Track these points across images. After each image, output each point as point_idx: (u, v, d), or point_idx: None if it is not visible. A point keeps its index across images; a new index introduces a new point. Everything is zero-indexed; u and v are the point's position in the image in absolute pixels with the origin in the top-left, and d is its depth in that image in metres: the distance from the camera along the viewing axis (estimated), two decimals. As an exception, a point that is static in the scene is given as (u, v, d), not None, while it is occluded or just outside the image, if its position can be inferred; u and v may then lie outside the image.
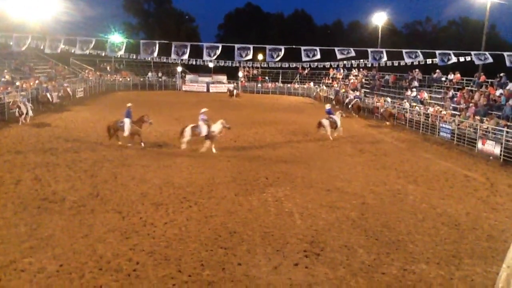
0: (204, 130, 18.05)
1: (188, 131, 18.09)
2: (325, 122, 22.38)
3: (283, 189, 13.37)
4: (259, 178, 14.54)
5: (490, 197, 13.63)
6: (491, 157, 19.13)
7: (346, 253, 9.13)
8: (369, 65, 41.80)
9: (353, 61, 38.41)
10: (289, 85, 54.87)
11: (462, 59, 21.15)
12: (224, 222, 10.62)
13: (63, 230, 9.73)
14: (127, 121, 18.42)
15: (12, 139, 19.34)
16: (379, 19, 48.14)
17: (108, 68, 55.59)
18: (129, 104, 19.05)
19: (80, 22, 51.26)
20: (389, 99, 33.03)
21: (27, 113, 24.10)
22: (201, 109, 18.80)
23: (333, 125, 22.41)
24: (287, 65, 38.17)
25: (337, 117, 22.73)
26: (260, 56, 51.67)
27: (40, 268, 8.01)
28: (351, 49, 18.77)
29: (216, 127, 18.14)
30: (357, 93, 38.35)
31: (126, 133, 18.47)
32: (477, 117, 22.82)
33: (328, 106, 23.81)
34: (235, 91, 46.93)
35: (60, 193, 12.21)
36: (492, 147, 19.42)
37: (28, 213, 10.64)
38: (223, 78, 55.20)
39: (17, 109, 23.43)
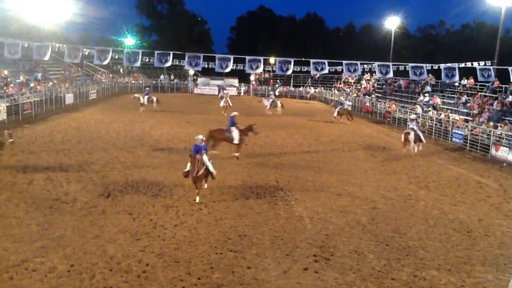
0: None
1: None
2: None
3: (293, 193, 13.35)
4: (269, 182, 14.54)
5: (503, 204, 13.45)
6: (504, 164, 18.88)
7: (356, 258, 9.08)
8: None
9: (365, 65, 38.17)
10: (300, 88, 54.70)
11: (475, 64, 21.02)
12: (234, 225, 10.64)
13: (74, 231, 9.83)
14: None
15: (26, 139, 19.57)
16: (392, 22, 47.84)
17: (121, 70, 55.97)
18: None
19: (93, 23, 51.80)
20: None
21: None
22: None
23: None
24: (298, 69, 38.12)
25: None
26: (272, 60, 51.62)
27: (51, 267, 8.10)
28: (358, 63, 18.80)
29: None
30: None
31: None
32: (491, 123, 22.56)
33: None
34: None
35: (72, 194, 12.34)
36: (506, 154, 19.20)
37: (40, 213, 10.77)
38: (235, 81, 55.24)
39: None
